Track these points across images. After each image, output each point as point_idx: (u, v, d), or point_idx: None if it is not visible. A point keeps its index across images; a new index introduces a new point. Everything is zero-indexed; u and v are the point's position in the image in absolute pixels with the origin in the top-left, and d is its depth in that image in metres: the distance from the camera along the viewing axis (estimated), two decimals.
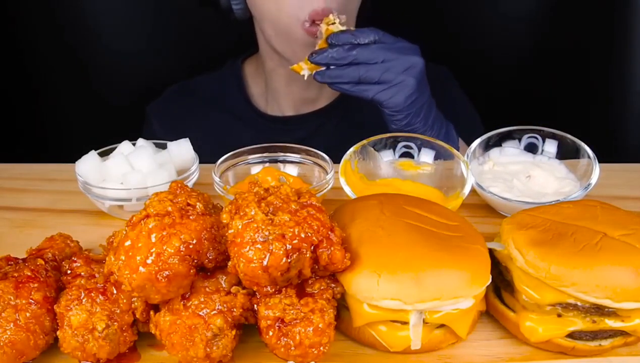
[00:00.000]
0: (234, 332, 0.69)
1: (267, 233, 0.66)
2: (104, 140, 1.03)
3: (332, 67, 1.10)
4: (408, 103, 1.11)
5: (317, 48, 1.12)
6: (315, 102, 1.43)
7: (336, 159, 0.99)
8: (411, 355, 0.74)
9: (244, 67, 1.49)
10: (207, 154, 1.03)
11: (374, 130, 1.13)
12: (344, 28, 1.11)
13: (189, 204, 0.72)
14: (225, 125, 1.44)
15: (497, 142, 1.05)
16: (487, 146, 1.04)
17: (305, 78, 1.13)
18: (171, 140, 1.04)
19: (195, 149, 1.03)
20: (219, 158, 0.99)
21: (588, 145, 0.99)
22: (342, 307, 0.74)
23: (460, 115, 1.41)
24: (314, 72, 1.12)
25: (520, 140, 1.05)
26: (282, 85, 1.40)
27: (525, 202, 0.92)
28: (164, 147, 1.03)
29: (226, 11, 1.34)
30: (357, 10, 1.26)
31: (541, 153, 1.04)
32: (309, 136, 1.39)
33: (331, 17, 1.11)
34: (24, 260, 0.77)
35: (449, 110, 1.37)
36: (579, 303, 0.71)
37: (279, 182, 0.94)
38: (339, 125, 1.42)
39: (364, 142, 1.00)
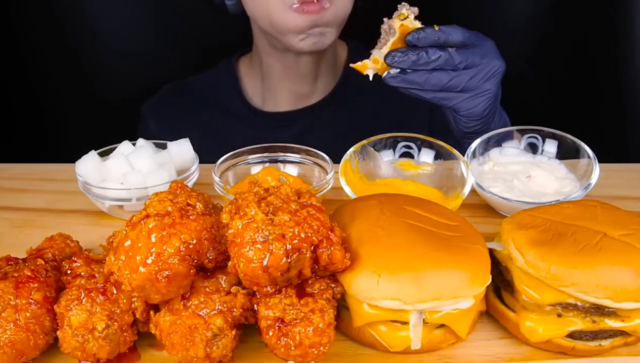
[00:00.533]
0: (234, 332, 0.69)
1: (267, 233, 0.66)
2: (104, 140, 1.03)
3: (409, 70, 0.98)
4: (486, 112, 1.05)
5: (389, 46, 0.97)
6: (310, 96, 1.43)
7: (332, 153, 0.99)
8: (411, 355, 0.74)
9: (238, 64, 1.49)
10: (203, 152, 1.03)
11: (369, 122, 1.13)
12: (418, 24, 0.97)
13: (189, 204, 0.72)
14: (221, 123, 1.45)
15: (497, 142, 1.05)
16: (487, 146, 1.04)
17: (371, 78, 1.00)
18: (167, 139, 1.04)
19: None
20: (215, 156, 0.99)
21: (588, 145, 0.99)
22: (342, 307, 0.74)
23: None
24: (384, 73, 0.98)
25: (520, 140, 1.05)
26: (277, 81, 1.41)
27: (525, 202, 0.92)
28: (164, 147, 1.03)
29: (219, 6, 1.35)
30: (351, 4, 1.25)
31: (541, 153, 1.04)
32: (305, 131, 1.40)
33: (404, 10, 0.96)
34: (24, 260, 0.77)
35: (433, 107, 1.38)
36: (579, 303, 0.71)
37: (279, 182, 0.94)
38: (334, 119, 1.42)
39: (364, 142, 1.00)
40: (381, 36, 1.00)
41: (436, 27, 0.98)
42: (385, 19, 0.99)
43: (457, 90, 1.01)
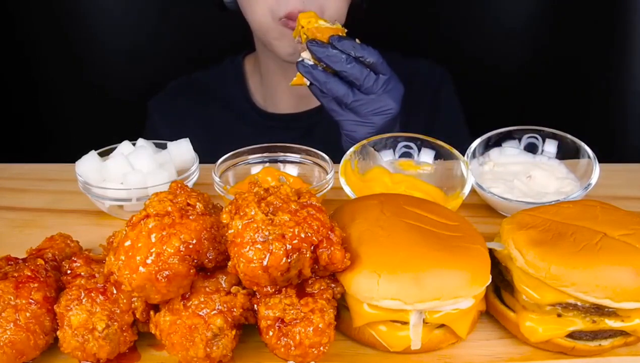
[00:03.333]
0: (234, 332, 0.69)
1: (267, 233, 0.66)
2: (104, 140, 1.03)
3: (319, 68, 1.05)
4: (364, 138, 1.07)
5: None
6: (310, 98, 1.44)
7: (332, 156, 0.99)
8: (411, 355, 0.74)
9: (244, 63, 1.50)
10: (206, 149, 1.03)
11: None
12: (329, 24, 1.05)
13: (189, 204, 0.72)
14: (225, 121, 1.45)
15: (497, 142, 1.05)
16: (487, 146, 1.04)
17: (308, 85, 1.08)
18: (171, 135, 1.04)
19: (195, 144, 1.03)
20: (218, 153, 0.99)
21: (588, 145, 0.99)
22: (342, 307, 0.74)
23: (444, 120, 1.42)
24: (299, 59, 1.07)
25: (520, 140, 1.05)
26: (276, 82, 1.41)
27: (525, 202, 0.92)
28: (164, 147, 1.04)
29: (217, 1, 1.36)
30: (346, 11, 1.26)
31: (541, 153, 1.04)
32: (306, 133, 1.40)
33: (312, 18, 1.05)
34: (24, 260, 0.77)
35: (432, 112, 1.38)
36: (579, 303, 0.71)
37: (279, 182, 0.94)
38: (333, 123, 1.42)
39: (364, 142, 1.00)
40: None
41: (358, 40, 1.04)
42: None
43: (347, 107, 1.06)
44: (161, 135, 1.05)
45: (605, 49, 1.58)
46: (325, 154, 1.00)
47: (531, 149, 1.05)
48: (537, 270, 0.71)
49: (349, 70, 1.03)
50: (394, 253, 0.71)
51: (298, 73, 1.07)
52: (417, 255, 0.71)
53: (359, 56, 1.03)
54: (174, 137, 1.04)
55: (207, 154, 1.03)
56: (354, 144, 1.03)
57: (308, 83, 1.08)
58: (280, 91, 1.42)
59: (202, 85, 1.50)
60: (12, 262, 0.76)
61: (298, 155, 1.03)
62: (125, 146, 1.02)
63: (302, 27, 1.06)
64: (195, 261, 0.69)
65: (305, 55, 1.06)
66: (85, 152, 1.00)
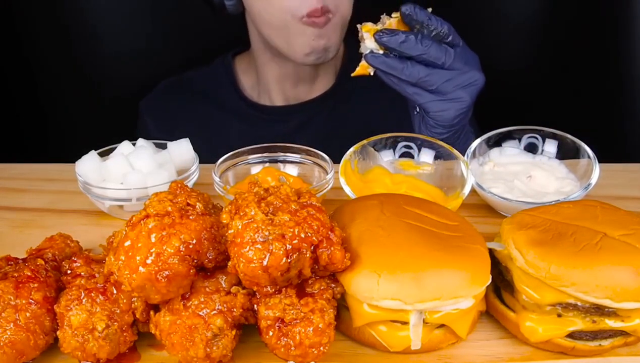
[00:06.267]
0: (234, 332, 0.69)
1: (267, 233, 0.66)
2: (104, 140, 1.03)
3: (392, 55, 0.99)
4: (455, 121, 1.04)
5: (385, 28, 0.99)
6: (308, 93, 1.44)
7: (328, 150, 0.99)
8: (411, 355, 0.74)
9: (235, 62, 1.50)
10: (200, 148, 1.03)
11: (366, 119, 1.13)
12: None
13: (188, 204, 0.72)
14: (218, 119, 1.45)
15: (497, 142, 1.05)
16: (487, 146, 1.04)
17: (366, 50, 1.01)
18: (164, 134, 1.04)
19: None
20: (213, 150, 0.99)
21: (588, 145, 0.99)
22: (342, 307, 0.74)
23: None
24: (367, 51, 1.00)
25: (520, 140, 1.05)
26: (274, 81, 1.42)
27: (525, 202, 0.92)
28: (164, 147, 1.03)
29: (218, 7, 1.35)
30: (351, 7, 1.26)
31: (541, 153, 1.04)
32: (302, 126, 1.41)
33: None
34: (24, 260, 0.77)
35: None
36: (579, 303, 0.71)
37: (279, 182, 0.94)
38: (332, 115, 1.43)
39: (364, 142, 1.00)
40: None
41: (429, 9, 0.99)
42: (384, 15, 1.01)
43: (431, 89, 1.00)
44: (152, 135, 1.05)
45: (606, 49, 1.58)
46: (321, 146, 1.00)
47: (531, 149, 1.05)
48: (537, 270, 0.72)
49: (428, 52, 0.97)
50: (394, 253, 0.71)
51: (362, 64, 1.01)
52: (417, 255, 0.71)
53: (433, 29, 0.97)
54: (165, 137, 1.04)
55: (201, 152, 1.03)
56: (440, 130, 1.00)
57: (372, 72, 1.02)
58: (276, 89, 1.43)
59: (194, 84, 1.51)
60: (12, 262, 0.76)
61: (298, 155, 1.03)
62: (125, 146, 1.02)
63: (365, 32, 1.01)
64: (195, 261, 0.69)
65: (370, 45, 1.00)
66: (85, 152, 1.00)
